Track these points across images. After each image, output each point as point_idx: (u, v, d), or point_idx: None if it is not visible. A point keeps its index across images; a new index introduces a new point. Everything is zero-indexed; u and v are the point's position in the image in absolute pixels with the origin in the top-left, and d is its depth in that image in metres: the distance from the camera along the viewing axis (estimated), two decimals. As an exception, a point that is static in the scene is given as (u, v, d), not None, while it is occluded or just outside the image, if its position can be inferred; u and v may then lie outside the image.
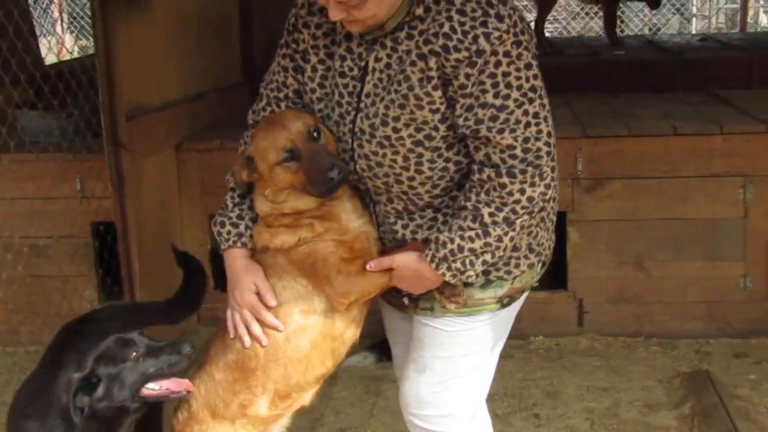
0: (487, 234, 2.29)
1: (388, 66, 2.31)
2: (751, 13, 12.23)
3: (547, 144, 2.27)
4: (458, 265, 2.33)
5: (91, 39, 12.80)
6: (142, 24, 4.39)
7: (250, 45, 6.31)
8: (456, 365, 2.56)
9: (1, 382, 4.59)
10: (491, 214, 2.28)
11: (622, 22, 11.31)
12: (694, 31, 12.01)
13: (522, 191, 2.26)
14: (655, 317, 4.86)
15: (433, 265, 2.34)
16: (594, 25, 12.48)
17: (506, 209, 2.28)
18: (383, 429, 4.03)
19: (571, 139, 4.63)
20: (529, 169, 2.25)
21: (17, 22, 4.57)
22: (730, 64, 6.27)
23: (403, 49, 2.28)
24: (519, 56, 2.22)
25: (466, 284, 2.45)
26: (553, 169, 2.31)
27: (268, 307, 2.48)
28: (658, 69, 6.33)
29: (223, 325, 2.63)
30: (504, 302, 2.53)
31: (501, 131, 2.23)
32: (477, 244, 2.30)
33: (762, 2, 12.79)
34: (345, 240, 2.47)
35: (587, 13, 12.71)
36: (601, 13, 11.66)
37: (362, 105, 2.36)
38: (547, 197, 2.32)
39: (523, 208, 2.28)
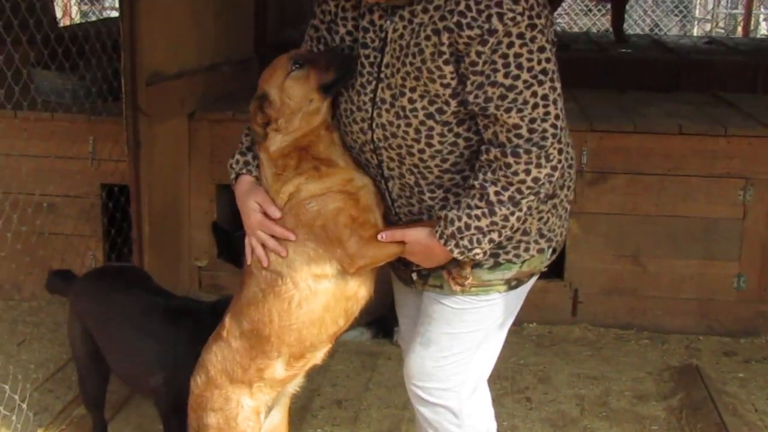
0: (493, 213, 2.35)
1: (401, 37, 2.39)
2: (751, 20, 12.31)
3: (554, 126, 2.31)
4: (465, 242, 2.39)
5: (93, 4, 12.79)
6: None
7: (264, 22, 6.38)
8: (461, 342, 2.63)
9: (3, 336, 4.68)
10: (497, 193, 2.34)
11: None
12: (695, 34, 12.09)
13: (527, 171, 2.31)
14: (648, 311, 4.96)
15: (442, 241, 2.41)
16: (597, 22, 12.56)
17: (512, 189, 2.33)
18: (378, 402, 4.12)
19: (577, 132, 4.67)
20: (534, 149, 2.29)
21: (37, -18, 4.60)
22: (735, 68, 6.34)
23: (418, 22, 2.35)
24: (533, 39, 2.27)
25: (476, 265, 2.52)
26: (560, 152, 2.34)
27: (274, 220, 2.54)
28: (664, 68, 6.40)
29: (236, 293, 2.70)
30: (512, 284, 2.59)
31: (508, 110, 2.28)
32: (483, 223, 2.36)
33: (763, 9, 12.88)
34: (351, 192, 2.52)
35: (591, 10, 12.78)
36: (604, 11, 11.80)
37: (383, 75, 2.44)
38: (554, 179, 2.36)
39: (528, 188, 2.33)
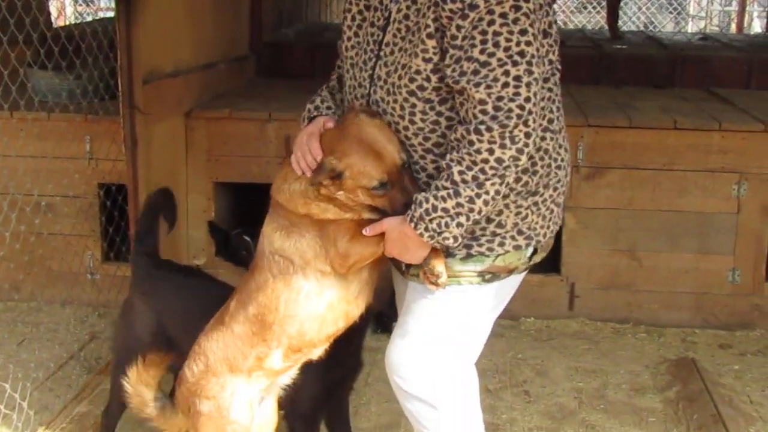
0: (457, 194, 2.34)
1: (406, 17, 2.43)
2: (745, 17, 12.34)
3: (521, 107, 2.27)
4: (434, 225, 2.38)
5: (88, 5, 12.79)
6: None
7: (259, 20, 6.39)
8: (435, 332, 2.64)
9: (3, 336, 4.69)
10: (460, 172, 2.33)
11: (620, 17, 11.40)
12: (690, 31, 12.12)
13: (490, 151, 2.29)
14: (644, 305, 4.99)
15: (413, 225, 2.40)
16: (592, 19, 12.59)
17: (475, 168, 2.31)
18: (377, 397, 4.14)
19: (573, 127, 4.68)
20: (496, 127, 2.28)
21: (33, -20, 4.60)
22: (729, 64, 6.36)
23: (422, 1, 2.39)
24: (515, 20, 2.28)
25: (448, 255, 2.52)
26: (527, 135, 2.30)
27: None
28: (659, 64, 6.42)
29: (244, 279, 2.74)
30: (486, 277, 2.58)
31: (477, 85, 2.28)
32: (449, 204, 2.35)
33: (757, 6, 12.91)
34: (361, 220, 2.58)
35: (585, 7, 12.80)
36: (599, 8, 11.83)
37: (382, 53, 2.49)
38: (520, 163, 2.33)
39: (491, 168, 2.31)
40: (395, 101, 2.46)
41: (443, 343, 2.66)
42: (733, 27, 12.14)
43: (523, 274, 2.70)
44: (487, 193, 2.33)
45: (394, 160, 2.47)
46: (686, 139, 4.80)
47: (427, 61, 2.37)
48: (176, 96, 4.78)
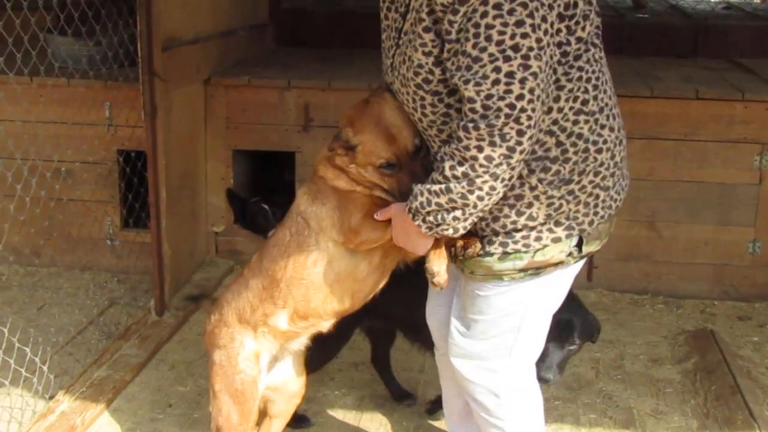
0: (449, 190, 2.25)
1: (421, 5, 2.33)
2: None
3: (511, 106, 2.14)
4: (431, 218, 2.32)
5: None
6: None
7: (278, -14, 6.37)
8: (494, 326, 2.60)
9: (23, 301, 4.72)
10: (451, 168, 2.24)
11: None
12: (713, 0, 11.96)
13: (479, 148, 2.17)
14: (662, 276, 4.97)
15: (410, 215, 2.36)
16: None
17: (465, 165, 2.20)
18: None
19: (593, 96, 4.68)
20: (483, 126, 2.15)
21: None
22: (753, 34, 6.29)
23: None
24: (511, 11, 2.14)
25: (486, 255, 2.46)
26: (520, 133, 2.16)
27: None
28: (681, 34, 6.36)
29: (267, 242, 2.83)
30: (528, 272, 2.49)
31: (467, 81, 2.17)
32: (442, 200, 2.28)
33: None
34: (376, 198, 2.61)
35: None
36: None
37: (400, 42, 2.42)
38: (513, 161, 2.19)
39: (481, 166, 2.19)
40: (407, 93, 2.40)
41: (505, 337, 2.61)
42: (757, -4, 11.97)
43: (578, 266, 2.58)
44: (480, 189, 2.23)
45: (407, 145, 2.49)
46: (708, 109, 4.75)
47: (427, 54, 2.29)
48: (195, 63, 4.78)
